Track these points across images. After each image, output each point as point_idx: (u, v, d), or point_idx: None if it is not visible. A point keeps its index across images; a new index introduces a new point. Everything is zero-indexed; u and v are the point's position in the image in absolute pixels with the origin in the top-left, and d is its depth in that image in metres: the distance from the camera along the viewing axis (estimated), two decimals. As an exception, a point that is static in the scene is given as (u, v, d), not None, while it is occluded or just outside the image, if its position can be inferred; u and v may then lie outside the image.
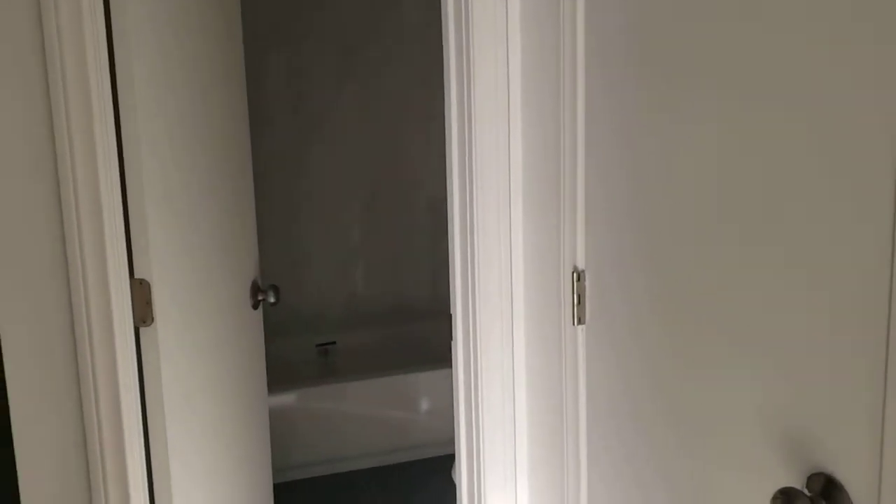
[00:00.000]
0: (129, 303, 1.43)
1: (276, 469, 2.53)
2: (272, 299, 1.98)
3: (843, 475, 0.79)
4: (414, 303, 3.91)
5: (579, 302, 1.32)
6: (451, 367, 3.32)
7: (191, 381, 1.64)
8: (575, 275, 1.31)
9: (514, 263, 1.50)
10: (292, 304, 3.60)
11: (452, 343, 1.71)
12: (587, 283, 1.30)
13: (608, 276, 1.24)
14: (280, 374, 3.14)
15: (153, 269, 1.46)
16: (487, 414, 1.55)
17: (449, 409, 3.32)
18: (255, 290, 1.99)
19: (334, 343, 3.71)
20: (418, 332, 3.85)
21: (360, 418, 3.16)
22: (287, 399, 3.07)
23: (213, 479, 1.74)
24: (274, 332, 3.14)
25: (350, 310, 3.82)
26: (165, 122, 1.54)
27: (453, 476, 1.81)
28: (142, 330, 1.47)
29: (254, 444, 2.03)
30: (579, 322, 1.33)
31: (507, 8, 1.42)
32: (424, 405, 3.28)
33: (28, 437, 1.41)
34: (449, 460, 2.52)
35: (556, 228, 1.35)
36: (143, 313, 1.46)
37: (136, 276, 1.45)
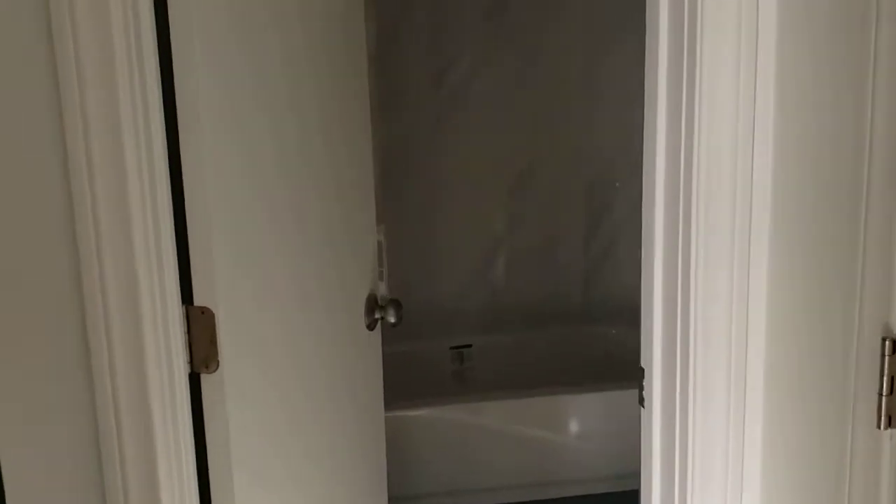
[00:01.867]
0: (183, 341, 1.01)
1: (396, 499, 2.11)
2: (392, 319, 1.53)
3: None
4: (563, 304, 3.38)
5: (891, 390, 0.77)
6: (609, 388, 2.81)
7: (276, 436, 1.21)
8: (888, 343, 0.76)
9: (751, 309, 0.95)
10: (424, 299, 3.17)
11: (644, 399, 1.19)
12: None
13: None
14: (406, 383, 2.72)
15: (218, 293, 1.03)
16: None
17: (608, 435, 2.84)
18: (372, 306, 1.54)
19: (470, 346, 3.26)
20: (567, 338, 3.33)
21: (500, 443, 2.70)
22: (413, 416, 2.64)
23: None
24: (402, 333, 2.73)
25: (490, 309, 3.35)
26: (247, 85, 1.10)
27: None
28: (203, 377, 1.05)
29: (366, 481, 1.61)
30: (889, 424, 0.78)
31: None
32: (576, 429, 2.76)
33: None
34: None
35: (846, 270, 0.80)
36: (205, 354, 1.04)
37: (197, 302, 1.03)
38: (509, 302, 3.34)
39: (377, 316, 1.55)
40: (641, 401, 1.19)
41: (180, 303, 1.02)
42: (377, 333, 1.60)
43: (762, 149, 0.88)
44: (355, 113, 1.50)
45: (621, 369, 3.18)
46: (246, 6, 1.09)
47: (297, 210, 1.26)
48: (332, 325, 1.42)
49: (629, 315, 3.45)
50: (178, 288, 1.01)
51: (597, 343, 3.30)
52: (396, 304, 1.54)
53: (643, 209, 1.11)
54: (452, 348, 3.22)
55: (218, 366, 1.04)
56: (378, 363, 1.65)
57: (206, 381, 1.05)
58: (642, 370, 1.16)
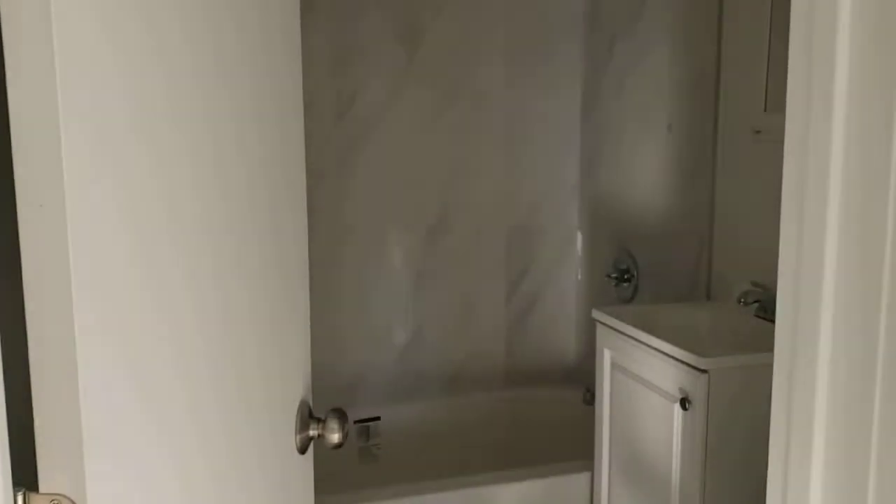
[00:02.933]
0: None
1: None
2: (336, 437, 1.09)
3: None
4: (484, 366, 3.01)
5: None
6: (540, 474, 2.43)
7: None
8: None
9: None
10: (324, 365, 2.70)
11: None
12: None
13: None
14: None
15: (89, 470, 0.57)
16: None
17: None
18: (305, 420, 1.10)
19: (378, 419, 2.81)
20: (489, 405, 2.96)
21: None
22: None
23: None
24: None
25: (400, 375, 2.93)
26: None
27: None
28: None
29: None
30: None
31: None
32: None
33: None
34: None
35: None
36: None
37: (45, 489, 0.57)
38: (422, 366, 2.93)
39: (312, 433, 1.10)
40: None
41: (12, 490, 0.56)
42: (309, 457, 1.15)
43: None
44: (291, 177, 1.07)
45: (554, 442, 2.87)
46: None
47: (196, 295, 0.81)
48: (253, 454, 0.97)
49: (556, 375, 3.17)
50: (8, 468, 0.55)
51: (523, 409, 2.94)
52: (339, 416, 1.10)
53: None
54: (357, 422, 2.77)
55: None
56: (309, 491, 1.19)
57: None
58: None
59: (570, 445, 2.75)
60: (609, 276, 2.70)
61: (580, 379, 2.96)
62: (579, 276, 3.03)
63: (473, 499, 2.32)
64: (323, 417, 1.10)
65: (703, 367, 1.66)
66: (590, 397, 2.68)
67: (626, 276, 2.66)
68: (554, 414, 2.91)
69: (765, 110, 2.05)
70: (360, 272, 2.83)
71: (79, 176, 0.57)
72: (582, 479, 2.37)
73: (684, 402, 1.70)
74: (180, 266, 0.75)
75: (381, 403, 2.85)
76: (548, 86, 2.93)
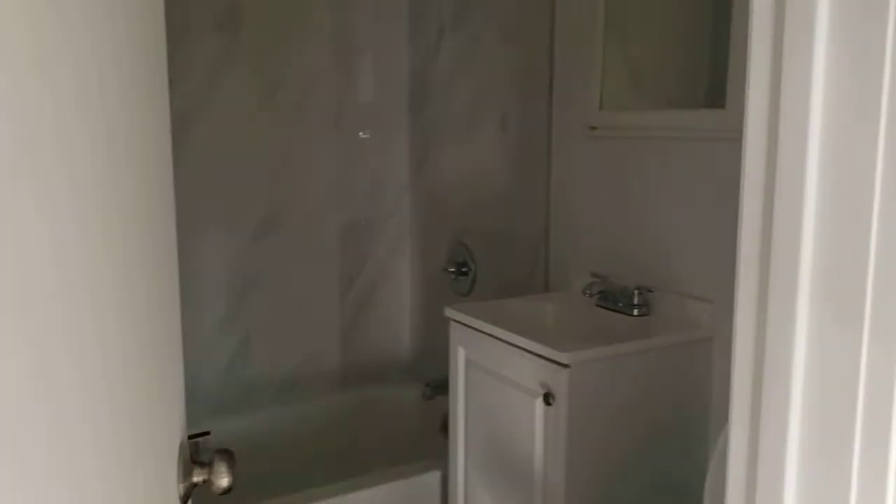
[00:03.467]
0: None
1: None
2: (224, 481, 0.95)
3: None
4: (319, 368, 2.89)
5: None
6: (388, 478, 2.37)
7: None
8: None
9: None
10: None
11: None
12: None
13: None
14: None
15: None
16: None
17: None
18: (188, 465, 0.95)
19: (208, 433, 2.60)
20: (327, 409, 2.84)
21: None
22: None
23: None
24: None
25: (230, 385, 2.73)
26: None
27: None
28: None
29: None
30: None
31: None
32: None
33: None
34: None
35: None
36: None
37: None
38: (253, 374, 2.76)
39: (196, 479, 0.96)
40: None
41: None
42: (191, 504, 1.00)
43: None
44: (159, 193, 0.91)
45: (398, 442, 2.81)
46: None
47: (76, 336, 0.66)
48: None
49: (394, 373, 3.11)
50: None
51: (362, 411, 2.86)
52: (227, 458, 0.97)
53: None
54: (189, 437, 2.54)
55: None
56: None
57: None
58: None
59: (416, 444, 2.72)
60: (446, 269, 2.69)
61: (418, 375, 2.93)
62: (413, 271, 2.99)
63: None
64: (207, 461, 0.97)
65: (564, 362, 1.68)
66: (430, 392, 2.66)
67: (463, 270, 2.66)
68: (394, 413, 2.86)
69: (600, 108, 2.11)
70: (181, 278, 2.59)
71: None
72: (431, 478, 2.34)
73: (548, 398, 1.72)
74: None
75: (210, 417, 2.64)
76: (375, 75, 2.85)
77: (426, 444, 2.67)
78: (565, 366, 1.68)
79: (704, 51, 1.89)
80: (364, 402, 2.87)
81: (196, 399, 2.66)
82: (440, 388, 2.61)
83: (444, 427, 2.65)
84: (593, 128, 2.14)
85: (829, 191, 0.60)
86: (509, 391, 1.85)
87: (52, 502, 0.60)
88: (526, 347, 1.77)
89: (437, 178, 2.82)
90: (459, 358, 2.02)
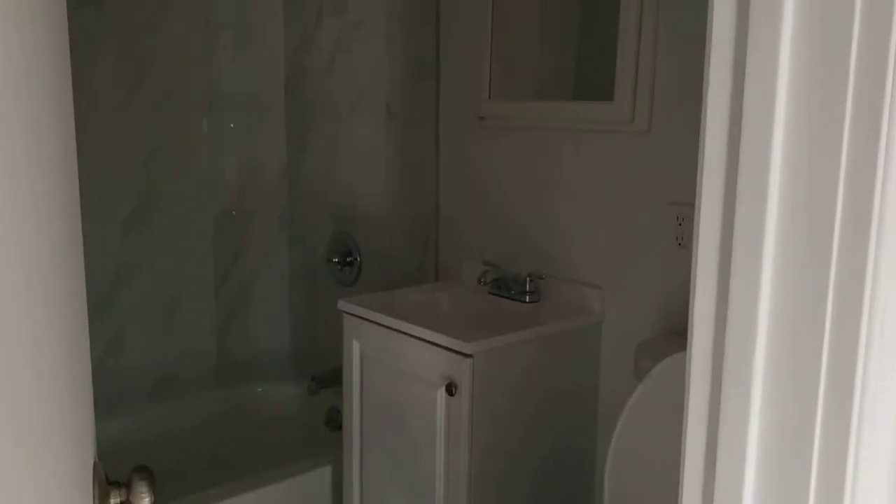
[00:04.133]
0: None
1: None
2: (146, 501, 0.88)
3: None
4: (193, 368, 2.75)
5: None
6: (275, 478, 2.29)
7: None
8: None
9: None
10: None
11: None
12: None
13: None
14: None
15: None
16: None
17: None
18: (104, 487, 0.87)
19: (74, 442, 2.41)
20: (202, 407, 2.71)
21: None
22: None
23: None
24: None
25: (98, 386, 2.54)
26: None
27: None
28: None
29: None
30: None
31: None
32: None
33: None
34: None
35: None
36: None
37: None
38: (123, 374, 2.59)
39: (113, 501, 0.87)
40: None
41: None
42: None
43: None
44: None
45: (283, 440, 2.70)
46: None
47: None
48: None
49: (274, 367, 2.99)
50: None
51: (243, 408, 2.75)
52: (147, 477, 0.89)
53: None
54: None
55: None
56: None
57: None
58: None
59: (302, 441, 2.65)
60: (330, 259, 2.63)
61: (300, 370, 2.86)
62: (292, 262, 2.90)
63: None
64: (125, 481, 0.88)
65: (467, 352, 1.68)
66: (315, 387, 2.60)
67: (348, 259, 2.61)
68: (277, 409, 2.77)
69: (489, 97, 2.13)
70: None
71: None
72: (322, 474, 2.29)
73: (450, 388, 1.72)
74: None
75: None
76: (248, 59, 2.73)
77: (312, 439, 2.61)
78: (468, 356, 1.68)
79: (595, 43, 1.94)
80: (245, 399, 2.76)
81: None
82: (326, 381, 2.55)
83: (329, 421, 2.60)
84: (482, 118, 2.15)
85: (792, 188, 0.62)
86: (409, 383, 1.83)
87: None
88: (427, 338, 1.76)
89: (316, 166, 2.74)
90: (354, 351, 1.98)
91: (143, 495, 0.88)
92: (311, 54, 2.69)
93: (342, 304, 1.98)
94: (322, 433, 2.58)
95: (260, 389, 2.80)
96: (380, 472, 1.98)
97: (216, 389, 2.76)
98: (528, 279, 2.01)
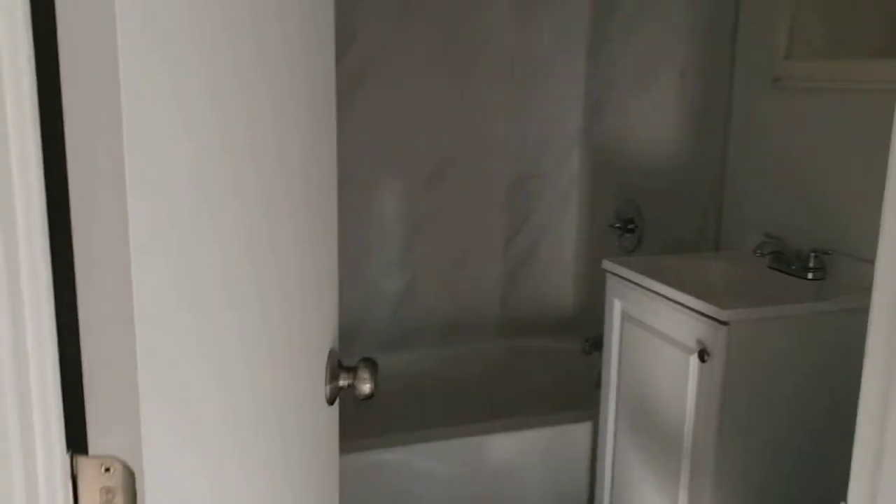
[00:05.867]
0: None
1: None
2: (367, 387, 1.03)
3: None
4: (479, 316, 2.96)
5: None
6: (539, 423, 2.41)
7: None
8: None
9: None
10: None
11: None
12: None
13: None
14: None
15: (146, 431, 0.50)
16: None
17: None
18: (335, 370, 1.04)
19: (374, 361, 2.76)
20: (484, 355, 2.92)
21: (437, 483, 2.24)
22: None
23: None
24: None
25: (393, 325, 2.87)
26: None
27: None
28: None
29: None
30: None
31: None
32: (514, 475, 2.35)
33: None
34: None
35: None
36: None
37: (94, 451, 0.50)
38: (416, 316, 2.88)
39: (342, 383, 1.04)
40: None
41: (64, 453, 0.49)
42: (336, 409, 1.09)
43: None
44: (322, 133, 0.99)
45: (553, 393, 2.84)
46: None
47: (250, 242, 0.74)
48: (284, 404, 0.90)
49: (553, 326, 3.13)
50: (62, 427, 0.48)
51: (519, 360, 2.91)
52: (371, 366, 1.05)
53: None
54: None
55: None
56: (335, 452, 1.14)
57: None
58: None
59: (570, 396, 2.74)
60: (612, 225, 2.65)
61: (578, 329, 2.93)
62: (579, 226, 2.98)
63: (472, 448, 2.29)
64: (353, 366, 1.05)
65: (723, 319, 1.62)
66: (589, 347, 2.66)
67: (629, 227, 2.61)
68: (551, 364, 2.89)
69: (785, 57, 1.98)
70: (356, 222, 2.75)
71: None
72: (582, 429, 2.35)
73: (703, 355, 1.67)
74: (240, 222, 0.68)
75: (375, 354, 2.80)
76: (551, 28, 2.83)
77: (581, 396, 2.67)
78: (724, 323, 1.62)
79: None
80: (522, 351, 2.92)
81: (364, 336, 2.82)
82: (600, 343, 2.59)
83: (599, 382, 2.64)
84: (777, 79, 2.00)
85: None
86: (664, 346, 1.81)
87: (239, 396, 0.69)
88: (683, 302, 1.72)
89: (609, 131, 2.76)
90: (615, 310, 2.00)
91: (365, 381, 1.03)
92: (612, 19, 2.71)
93: (606, 264, 2.01)
94: (593, 393, 2.63)
95: (538, 344, 2.93)
96: (631, 432, 1.98)
97: (497, 339, 2.95)
98: (812, 255, 1.85)
